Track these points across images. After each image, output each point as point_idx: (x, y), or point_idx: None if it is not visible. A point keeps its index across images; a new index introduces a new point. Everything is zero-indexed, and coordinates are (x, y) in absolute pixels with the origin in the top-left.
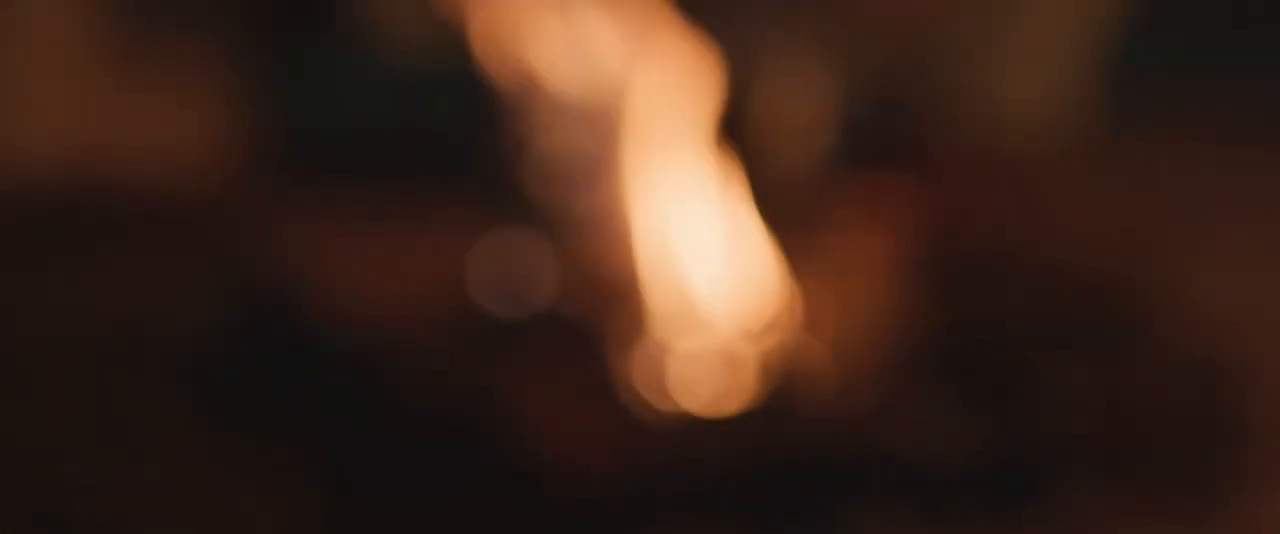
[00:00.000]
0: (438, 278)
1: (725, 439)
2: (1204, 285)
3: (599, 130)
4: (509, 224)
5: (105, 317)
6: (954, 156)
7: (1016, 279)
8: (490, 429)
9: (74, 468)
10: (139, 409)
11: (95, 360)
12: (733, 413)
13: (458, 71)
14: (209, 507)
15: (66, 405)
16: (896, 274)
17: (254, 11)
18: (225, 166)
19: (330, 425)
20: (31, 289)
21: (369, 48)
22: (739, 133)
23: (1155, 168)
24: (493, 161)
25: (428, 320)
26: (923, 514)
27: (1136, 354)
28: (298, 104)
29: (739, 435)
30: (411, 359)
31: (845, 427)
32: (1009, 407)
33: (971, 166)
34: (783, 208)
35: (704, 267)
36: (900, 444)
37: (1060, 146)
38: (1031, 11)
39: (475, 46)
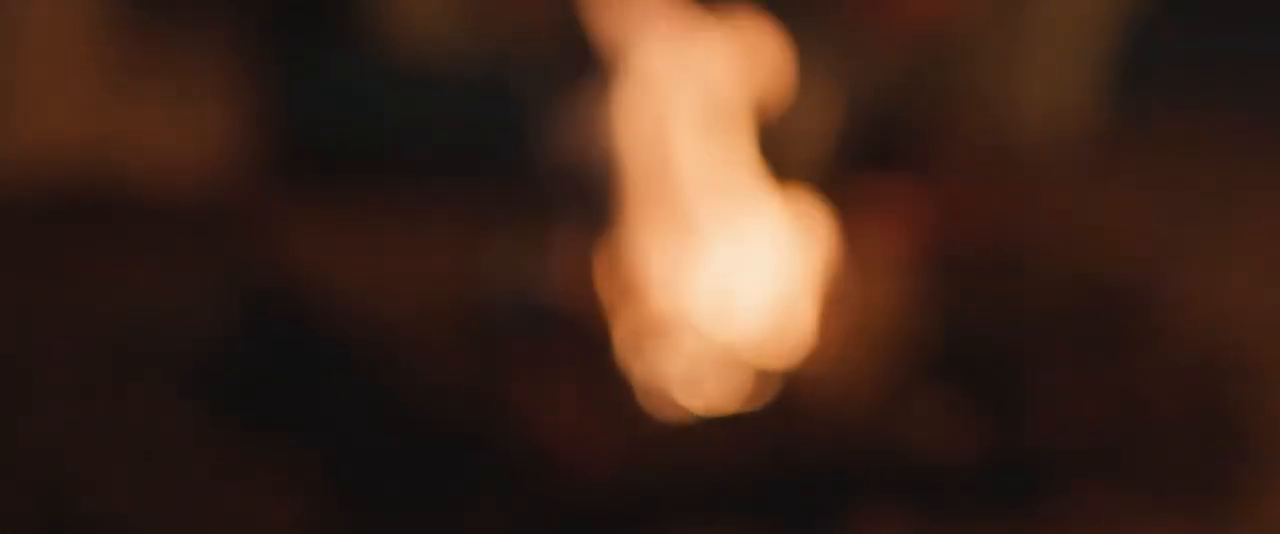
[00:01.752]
0: (442, 278)
1: (729, 440)
2: (1207, 285)
3: (611, 127)
4: (515, 223)
5: (110, 317)
6: (960, 159)
7: (1020, 280)
8: (494, 429)
9: (80, 467)
10: (144, 409)
11: (100, 360)
12: (736, 413)
13: (461, 73)
14: (213, 505)
15: (72, 405)
16: (902, 275)
17: (259, 14)
18: (230, 167)
19: (334, 425)
20: (36, 289)
21: (373, 50)
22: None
23: (1158, 169)
24: (496, 162)
25: (432, 320)
26: (926, 514)
27: (1140, 354)
28: (302, 105)
29: (742, 436)
30: (415, 359)
31: (849, 427)
32: (1012, 407)
33: (977, 169)
34: (790, 209)
35: (711, 268)
36: (904, 444)
37: (1066, 147)
38: (1039, 14)
39: (499, 43)
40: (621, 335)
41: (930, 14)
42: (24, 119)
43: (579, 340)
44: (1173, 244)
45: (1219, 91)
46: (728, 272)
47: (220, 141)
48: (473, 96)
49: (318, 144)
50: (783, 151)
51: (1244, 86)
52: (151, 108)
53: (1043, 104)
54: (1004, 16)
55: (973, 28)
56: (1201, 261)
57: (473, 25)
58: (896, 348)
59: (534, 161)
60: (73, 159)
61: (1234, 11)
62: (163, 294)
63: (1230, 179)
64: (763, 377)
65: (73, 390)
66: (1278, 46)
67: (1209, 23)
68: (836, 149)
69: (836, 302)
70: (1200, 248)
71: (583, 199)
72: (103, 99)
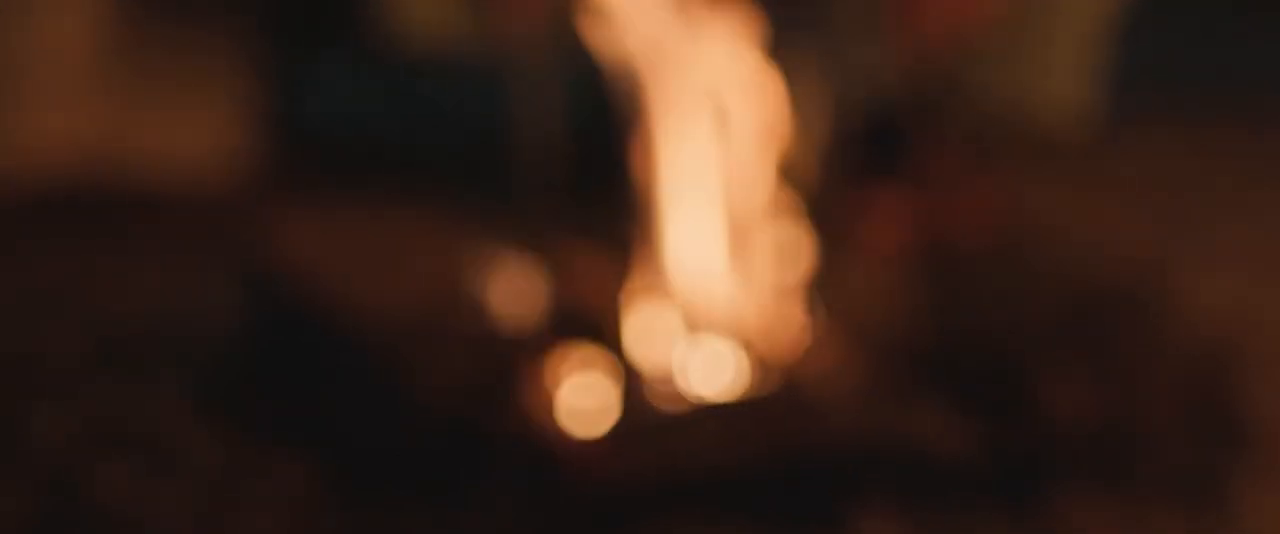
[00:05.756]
0: (442, 274)
1: (728, 436)
2: (1204, 285)
3: (617, 122)
4: (517, 220)
5: (114, 314)
6: (959, 160)
7: (1018, 280)
8: (496, 424)
9: (83, 464)
10: (147, 406)
11: (104, 357)
12: (735, 406)
13: (461, 73)
14: (216, 502)
15: (75, 402)
16: (901, 274)
17: (262, 15)
18: (233, 166)
19: (335, 421)
20: (40, 287)
21: (374, 50)
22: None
23: (1156, 171)
24: (501, 160)
25: (433, 317)
26: (923, 513)
27: (1138, 354)
28: (304, 105)
29: (741, 433)
30: (417, 355)
31: (848, 425)
32: (1010, 406)
33: (975, 169)
34: (793, 210)
35: (712, 263)
36: (903, 442)
37: (1066, 148)
38: (1048, 14)
39: (499, 44)
40: (623, 329)
41: (961, 20)
42: (29, 118)
43: (580, 334)
44: (1170, 245)
45: (1216, 95)
46: (732, 268)
47: (223, 141)
48: (472, 97)
49: (319, 143)
50: (785, 154)
51: (1241, 90)
52: (155, 107)
53: (1049, 103)
54: (1016, 17)
55: (985, 29)
56: (1199, 262)
57: (472, 26)
58: (894, 347)
59: (532, 159)
60: (77, 158)
61: (1226, 14)
62: (166, 292)
63: (1227, 181)
64: (762, 370)
65: (76, 387)
66: (1272, 51)
67: (1207, 28)
68: (834, 149)
69: (835, 300)
70: (1198, 249)
71: (583, 194)
72: (107, 99)
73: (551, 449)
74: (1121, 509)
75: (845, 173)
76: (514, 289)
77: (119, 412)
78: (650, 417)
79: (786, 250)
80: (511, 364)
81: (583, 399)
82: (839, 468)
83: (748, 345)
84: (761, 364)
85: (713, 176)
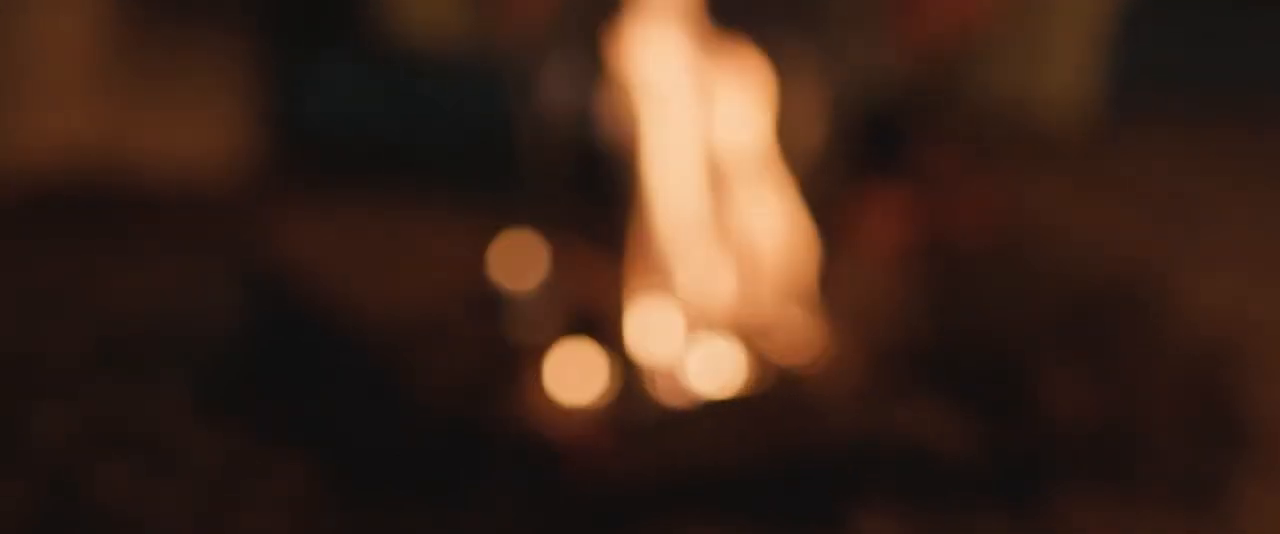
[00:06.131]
0: (444, 274)
1: (728, 435)
2: (1204, 285)
3: (619, 126)
4: (521, 220)
5: (116, 313)
6: (959, 159)
7: (1018, 280)
8: (499, 422)
9: (85, 462)
10: (147, 406)
11: (104, 358)
12: (735, 408)
13: (461, 73)
14: (218, 500)
15: (74, 403)
16: (901, 273)
17: (265, 15)
18: (235, 166)
19: (338, 419)
20: (42, 287)
21: (375, 50)
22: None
23: (1155, 169)
24: (501, 160)
25: (436, 315)
26: (923, 513)
27: (1137, 354)
28: (307, 105)
29: (741, 432)
30: (420, 353)
31: (848, 425)
32: (1010, 405)
33: (976, 169)
34: (794, 209)
35: (712, 262)
36: (903, 441)
37: (1066, 145)
38: (1051, 13)
39: (499, 44)
40: (623, 327)
41: (959, 21)
42: (29, 118)
43: (581, 332)
44: (1170, 245)
45: (1216, 95)
46: (727, 264)
47: (225, 141)
48: (472, 97)
49: (319, 143)
50: (785, 153)
51: (1241, 90)
52: (155, 107)
53: (1049, 102)
54: (1015, 16)
55: (985, 29)
56: (1199, 262)
57: (472, 26)
58: (894, 347)
59: (533, 157)
60: (77, 158)
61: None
62: (166, 292)
63: (1227, 181)
64: (762, 368)
65: (76, 387)
66: (1272, 51)
67: (1207, 28)
68: (834, 149)
69: (835, 299)
70: (1198, 249)
71: (585, 192)
72: (107, 99)
73: (552, 449)
74: (1121, 509)
75: (845, 172)
76: (515, 287)
77: (119, 412)
78: (650, 414)
79: (787, 249)
80: (511, 364)
81: (583, 398)
82: (839, 468)
83: (748, 344)
84: (761, 362)
85: (714, 176)
